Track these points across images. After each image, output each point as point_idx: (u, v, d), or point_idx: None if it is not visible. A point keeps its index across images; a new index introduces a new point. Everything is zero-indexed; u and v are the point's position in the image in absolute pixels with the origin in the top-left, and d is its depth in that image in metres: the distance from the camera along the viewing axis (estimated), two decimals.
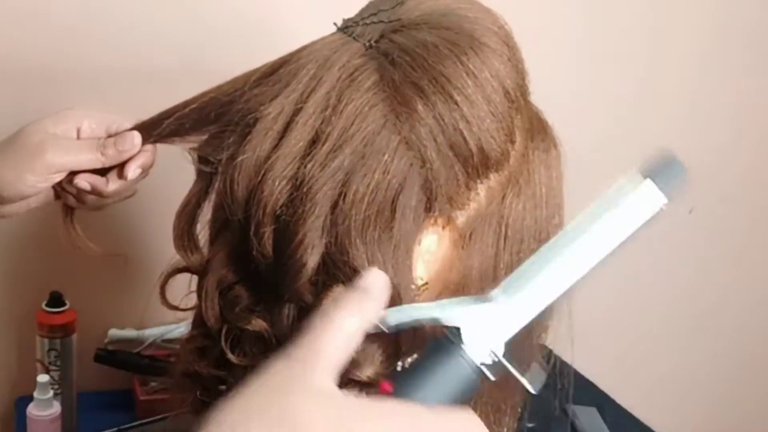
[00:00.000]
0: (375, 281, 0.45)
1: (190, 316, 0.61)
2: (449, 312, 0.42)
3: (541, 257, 0.44)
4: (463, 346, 0.41)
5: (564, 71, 1.30)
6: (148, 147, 0.69)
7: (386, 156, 0.53)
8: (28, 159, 0.67)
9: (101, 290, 1.20)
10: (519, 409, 0.63)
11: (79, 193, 0.70)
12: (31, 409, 1.07)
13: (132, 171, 0.68)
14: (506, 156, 0.57)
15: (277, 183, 0.53)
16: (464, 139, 0.54)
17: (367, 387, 0.55)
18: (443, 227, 0.56)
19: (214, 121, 0.61)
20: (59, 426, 1.07)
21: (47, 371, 1.12)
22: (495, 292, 0.43)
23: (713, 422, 1.68)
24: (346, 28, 0.58)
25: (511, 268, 0.58)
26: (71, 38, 1.09)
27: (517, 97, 0.57)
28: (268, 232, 0.54)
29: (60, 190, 0.71)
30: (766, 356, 1.70)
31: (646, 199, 0.45)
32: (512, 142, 0.57)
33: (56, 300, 1.13)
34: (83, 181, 0.69)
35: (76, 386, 1.12)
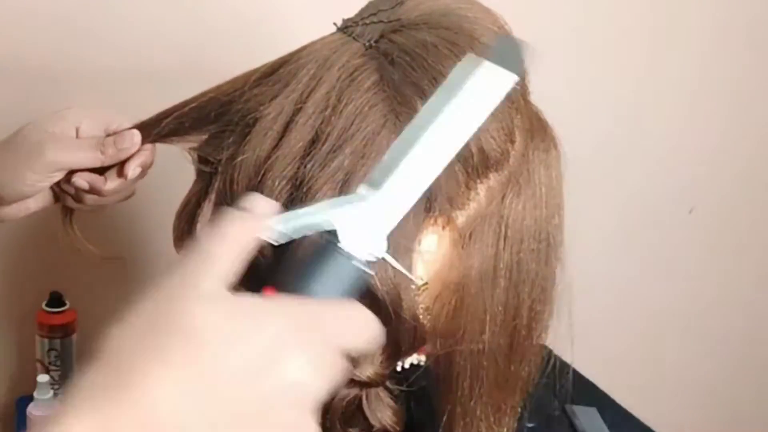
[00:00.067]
0: (257, 201, 0.45)
1: None
2: (326, 215, 0.42)
3: (399, 147, 0.44)
4: (340, 245, 0.41)
5: (564, 71, 1.30)
6: (147, 146, 0.69)
7: (386, 156, 0.53)
8: (28, 158, 0.67)
9: (101, 290, 1.20)
10: (519, 409, 0.63)
11: (78, 193, 0.70)
12: (31, 409, 1.07)
13: (132, 170, 0.68)
14: (506, 156, 0.57)
15: (276, 183, 0.53)
16: None
17: (367, 387, 0.55)
18: (443, 227, 0.56)
19: (214, 121, 0.61)
20: None
21: (47, 371, 1.12)
22: (363, 189, 0.44)
23: (713, 422, 1.68)
24: (346, 28, 0.58)
25: (511, 268, 0.58)
26: (71, 38, 1.09)
27: (517, 97, 0.57)
28: None
29: (59, 191, 0.71)
30: (766, 356, 1.70)
31: (490, 76, 0.46)
32: (512, 142, 0.57)
33: (56, 300, 1.13)
34: (81, 180, 0.69)
35: None
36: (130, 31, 1.11)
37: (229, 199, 0.56)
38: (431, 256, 0.56)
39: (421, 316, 0.57)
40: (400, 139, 0.45)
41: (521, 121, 0.58)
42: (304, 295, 0.40)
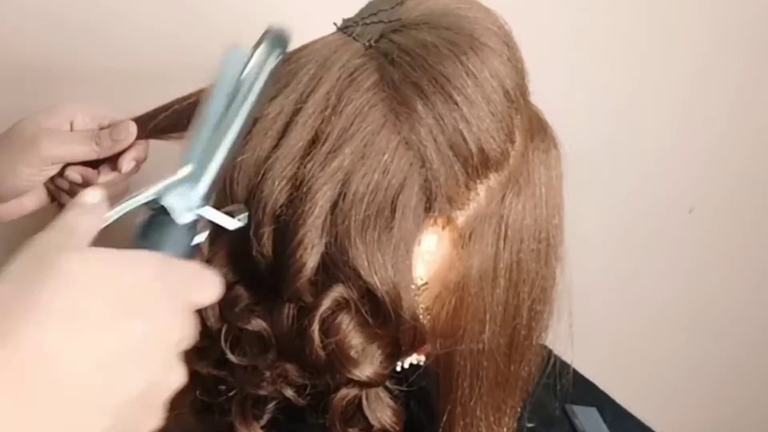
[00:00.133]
0: (90, 194, 0.48)
1: None
2: (150, 191, 0.50)
3: (200, 129, 0.52)
4: (166, 211, 0.49)
5: (564, 71, 1.30)
6: (142, 141, 0.69)
7: (386, 156, 0.53)
8: (23, 152, 0.67)
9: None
10: (519, 409, 0.63)
11: (72, 188, 0.70)
12: None
13: (126, 163, 0.68)
14: (506, 156, 0.57)
15: (276, 183, 0.53)
16: (464, 138, 0.54)
17: (367, 387, 0.55)
18: (443, 227, 0.56)
19: None
20: None
21: None
22: (181, 170, 0.51)
23: (714, 422, 1.68)
24: (346, 28, 0.58)
25: (511, 268, 0.58)
26: (71, 38, 1.08)
27: (517, 97, 0.57)
28: (267, 231, 0.54)
29: (53, 188, 0.71)
30: (767, 356, 1.70)
31: (260, 57, 0.55)
32: (512, 142, 0.57)
33: None
34: (74, 174, 0.69)
35: None
36: (129, 30, 1.11)
37: (229, 198, 0.56)
38: (431, 256, 0.56)
39: (420, 316, 0.57)
40: (200, 122, 0.52)
41: (521, 121, 0.58)
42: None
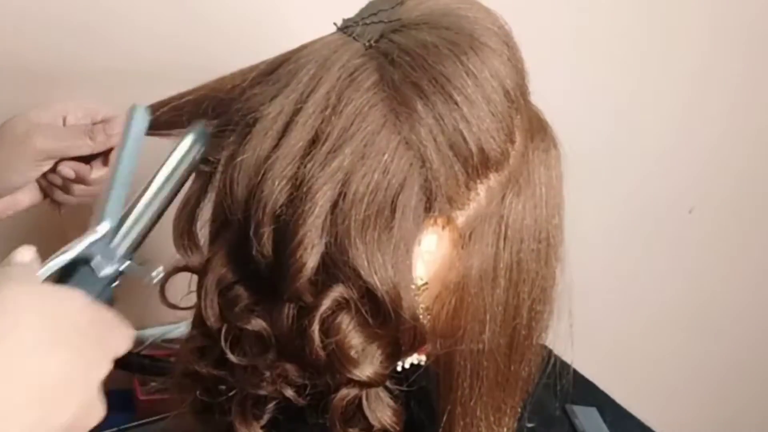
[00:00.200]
0: (24, 252, 0.52)
1: (190, 315, 0.61)
2: (76, 249, 0.56)
3: (114, 183, 0.59)
4: (90, 265, 0.57)
5: (564, 71, 1.30)
6: None
7: (386, 156, 0.53)
8: (17, 148, 0.67)
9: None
10: (519, 409, 0.63)
11: (65, 183, 0.71)
12: None
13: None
14: (506, 156, 0.57)
15: (276, 183, 0.53)
16: (464, 138, 0.54)
17: (367, 387, 0.55)
18: (443, 227, 0.56)
19: (212, 117, 0.62)
20: None
21: None
22: (100, 226, 0.58)
23: (714, 422, 1.68)
24: (346, 27, 0.58)
25: (511, 268, 0.58)
26: (70, 38, 1.09)
27: (517, 97, 0.57)
28: (267, 231, 0.54)
29: (46, 184, 0.71)
30: (767, 356, 1.70)
31: (184, 147, 0.62)
32: (512, 142, 0.57)
33: None
34: (67, 169, 0.69)
35: None
36: (129, 30, 1.11)
37: (229, 198, 0.56)
38: (431, 256, 0.56)
39: (421, 316, 0.57)
40: (113, 177, 0.59)
41: (521, 121, 0.58)
42: None
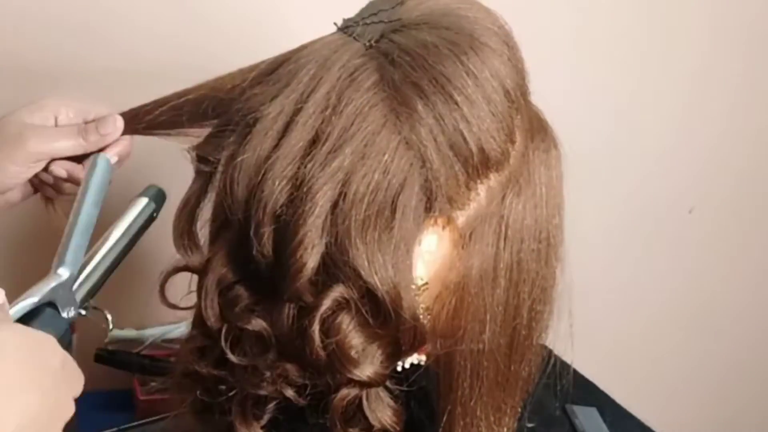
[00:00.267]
0: None
1: (190, 315, 0.61)
2: (40, 293, 0.59)
3: (74, 230, 0.63)
4: (52, 307, 0.60)
5: (564, 71, 1.30)
6: (126, 136, 0.69)
7: (386, 156, 0.53)
8: (9, 149, 0.67)
9: (101, 290, 1.20)
10: (519, 409, 0.63)
11: (56, 182, 0.70)
12: None
13: (110, 157, 0.68)
14: (506, 156, 0.57)
15: (277, 183, 0.53)
16: (464, 138, 0.54)
17: (367, 387, 0.55)
18: (443, 227, 0.56)
19: (212, 117, 0.62)
20: None
21: None
22: (61, 270, 0.61)
23: (714, 422, 1.68)
24: (346, 27, 0.58)
25: (511, 268, 0.58)
26: (70, 38, 1.08)
27: (517, 97, 0.57)
28: (268, 231, 0.54)
29: (37, 182, 0.71)
30: (767, 356, 1.70)
31: (139, 207, 0.70)
32: (512, 142, 0.57)
33: None
34: (59, 168, 0.69)
35: None
36: (129, 30, 1.10)
37: (229, 198, 0.56)
38: (431, 256, 0.56)
39: (421, 316, 0.57)
40: (74, 224, 0.63)
41: (521, 121, 0.58)
42: None
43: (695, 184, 1.50)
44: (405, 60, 0.54)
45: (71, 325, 0.62)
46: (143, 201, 0.69)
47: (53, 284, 0.60)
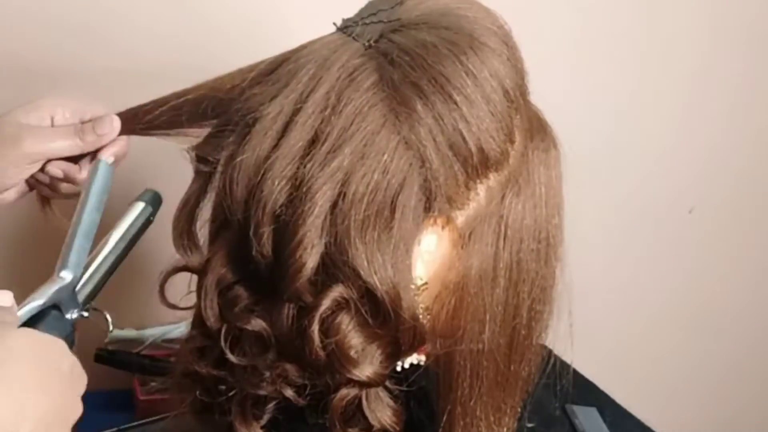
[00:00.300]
0: (2, 297, 0.55)
1: (190, 315, 0.61)
2: (45, 296, 0.60)
3: (77, 233, 0.64)
4: (57, 310, 0.61)
5: (563, 71, 1.30)
6: (123, 137, 0.69)
7: (385, 156, 0.53)
8: (5, 151, 0.67)
9: (101, 290, 1.20)
10: (519, 409, 0.63)
11: (53, 182, 0.70)
12: None
13: (106, 158, 0.68)
14: (506, 156, 0.57)
15: (276, 183, 0.53)
16: (463, 138, 0.54)
17: (367, 387, 0.55)
18: (443, 227, 0.56)
19: (211, 117, 0.62)
20: None
21: None
22: (64, 273, 0.62)
23: (714, 422, 1.68)
24: (346, 27, 0.58)
25: (511, 268, 0.58)
26: (70, 38, 1.09)
27: (517, 97, 0.57)
28: (267, 231, 0.54)
29: (33, 182, 0.71)
30: (767, 356, 1.70)
31: (137, 210, 0.71)
32: (511, 142, 0.57)
33: None
34: (56, 169, 0.69)
35: None
36: (129, 30, 1.11)
37: (229, 198, 0.56)
38: (430, 255, 0.56)
39: (420, 316, 0.56)
40: (76, 226, 0.64)
41: (521, 121, 0.58)
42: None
43: (695, 184, 1.50)
44: (404, 60, 0.54)
45: (73, 326, 0.63)
46: (140, 205, 0.71)
47: (57, 287, 0.61)
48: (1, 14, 1.07)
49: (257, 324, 0.55)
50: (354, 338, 0.54)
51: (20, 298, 0.58)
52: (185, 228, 0.61)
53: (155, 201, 0.72)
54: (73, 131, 0.68)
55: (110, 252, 0.68)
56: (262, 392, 0.56)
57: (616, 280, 1.49)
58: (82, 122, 0.69)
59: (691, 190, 1.51)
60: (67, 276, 0.62)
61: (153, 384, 1.13)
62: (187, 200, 0.61)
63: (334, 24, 0.60)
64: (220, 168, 0.58)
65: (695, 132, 1.47)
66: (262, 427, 0.57)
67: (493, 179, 0.57)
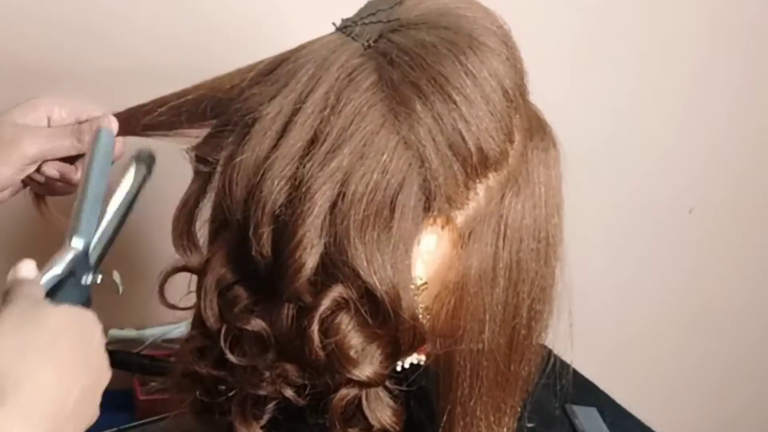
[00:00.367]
0: (26, 268, 0.57)
1: (190, 315, 0.61)
2: (62, 263, 0.61)
3: (84, 200, 0.65)
4: (73, 277, 0.62)
5: (563, 71, 1.30)
6: (119, 138, 0.69)
7: (385, 156, 0.53)
8: (3, 152, 0.67)
9: (101, 290, 1.20)
10: (519, 409, 0.63)
11: (48, 182, 0.70)
12: None
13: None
14: (505, 155, 0.57)
15: (275, 183, 0.53)
16: (463, 138, 0.54)
17: (367, 387, 0.55)
18: (442, 227, 0.56)
19: (210, 117, 0.62)
20: None
21: None
22: (74, 241, 0.63)
23: (714, 422, 1.68)
24: (345, 27, 0.58)
25: (510, 268, 0.58)
26: (70, 38, 1.08)
27: (516, 97, 0.57)
28: (266, 232, 0.54)
29: (27, 180, 0.71)
30: (767, 356, 1.70)
31: (132, 171, 0.70)
32: (511, 142, 0.57)
33: None
34: (52, 170, 0.69)
35: None
36: (129, 30, 1.10)
37: (228, 199, 0.56)
38: (430, 255, 0.56)
39: (420, 316, 0.57)
40: (83, 194, 0.65)
41: (520, 121, 0.58)
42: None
43: (695, 184, 1.50)
44: (403, 60, 0.54)
45: (89, 290, 0.65)
46: (135, 166, 0.71)
47: (72, 255, 0.62)
48: (1, 14, 1.07)
49: (257, 324, 0.55)
50: (354, 338, 0.54)
51: None
52: (185, 228, 0.61)
53: (149, 158, 0.73)
54: (70, 132, 0.68)
55: (114, 214, 0.68)
56: (262, 392, 0.56)
57: (616, 280, 1.49)
58: (79, 122, 0.69)
59: (691, 190, 1.51)
60: (78, 243, 0.63)
61: (153, 384, 1.13)
62: (186, 200, 0.61)
63: (334, 24, 0.60)
64: (219, 168, 0.58)
65: (695, 132, 1.47)
66: (262, 427, 0.57)
67: (493, 179, 0.57)
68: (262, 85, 0.58)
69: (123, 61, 1.10)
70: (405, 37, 0.56)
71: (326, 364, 0.54)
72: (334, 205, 0.52)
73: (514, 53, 0.58)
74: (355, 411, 0.56)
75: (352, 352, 0.54)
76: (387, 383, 0.57)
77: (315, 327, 0.53)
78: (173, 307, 0.62)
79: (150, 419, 1.09)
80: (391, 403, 0.57)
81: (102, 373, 0.54)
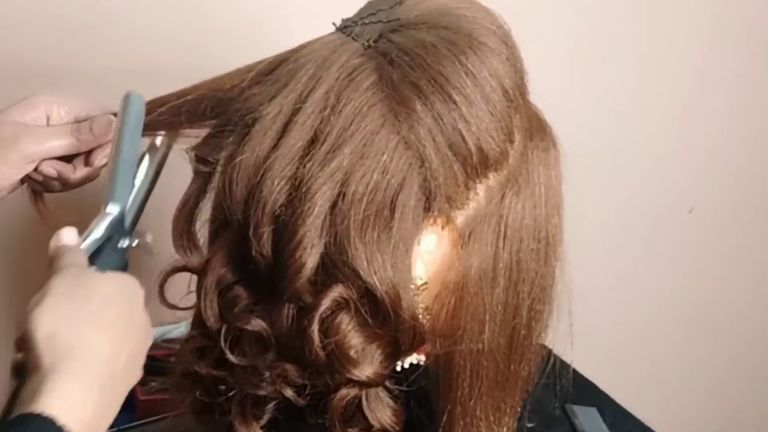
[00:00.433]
0: (67, 236, 0.59)
1: (190, 315, 0.61)
2: (100, 228, 0.62)
3: (119, 165, 0.65)
4: (110, 242, 0.63)
5: (563, 71, 1.30)
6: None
7: (385, 156, 0.53)
8: (3, 151, 0.67)
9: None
10: (519, 409, 0.63)
11: (46, 180, 0.70)
12: None
13: (100, 159, 0.68)
14: (505, 155, 0.57)
15: (276, 183, 0.53)
16: (463, 138, 0.54)
17: (367, 387, 0.55)
18: (442, 227, 0.56)
19: (210, 117, 0.62)
20: None
21: None
22: (110, 207, 0.64)
23: (714, 422, 1.68)
24: (345, 27, 0.58)
25: (510, 268, 0.58)
26: (70, 38, 1.08)
27: (516, 97, 0.57)
28: (267, 232, 0.54)
29: (25, 177, 0.71)
30: (767, 356, 1.70)
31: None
32: (511, 142, 0.57)
33: None
34: (50, 168, 0.69)
35: None
36: (129, 30, 1.10)
37: (228, 199, 0.56)
38: (430, 255, 0.56)
39: (420, 316, 0.57)
40: (118, 159, 0.65)
41: (520, 121, 0.58)
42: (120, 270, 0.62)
43: (695, 184, 1.50)
44: (403, 60, 0.54)
45: (125, 253, 0.66)
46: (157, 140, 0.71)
47: (109, 220, 0.63)
48: (1, 14, 1.07)
49: (257, 324, 0.55)
50: (354, 338, 0.54)
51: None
52: (185, 228, 0.61)
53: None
54: (69, 131, 0.68)
55: (145, 177, 0.68)
56: (262, 392, 0.56)
57: (616, 280, 1.49)
58: (78, 121, 0.69)
59: (691, 190, 1.51)
60: (114, 209, 0.64)
61: (153, 384, 1.13)
62: (186, 200, 0.61)
63: (334, 24, 0.60)
64: (219, 168, 0.58)
65: (695, 132, 1.47)
66: (262, 427, 0.57)
67: (493, 179, 0.57)
68: (262, 85, 0.58)
69: (123, 61, 1.10)
70: (405, 37, 0.56)
71: (326, 364, 0.54)
72: (334, 205, 0.52)
73: (514, 53, 0.58)
74: (355, 411, 0.56)
75: (352, 352, 0.54)
76: (387, 383, 0.57)
77: (315, 327, 0.53)
78: (173, 307, 0.62)
79: (150, 419, 1.09)
80: (391, 403, 0.57)
81: (147, 336, 0.57)
